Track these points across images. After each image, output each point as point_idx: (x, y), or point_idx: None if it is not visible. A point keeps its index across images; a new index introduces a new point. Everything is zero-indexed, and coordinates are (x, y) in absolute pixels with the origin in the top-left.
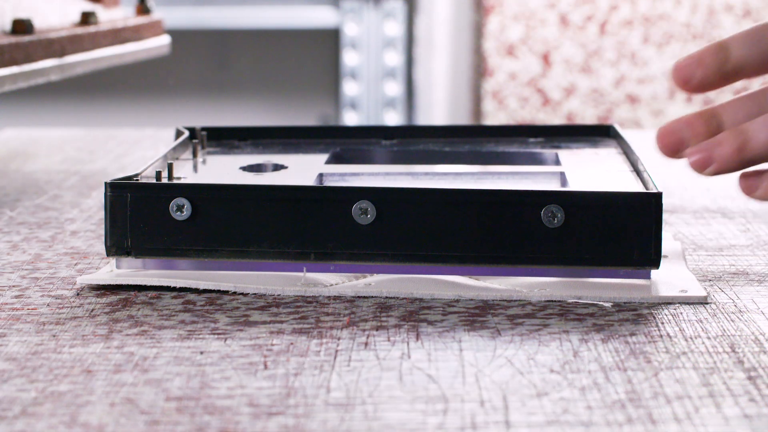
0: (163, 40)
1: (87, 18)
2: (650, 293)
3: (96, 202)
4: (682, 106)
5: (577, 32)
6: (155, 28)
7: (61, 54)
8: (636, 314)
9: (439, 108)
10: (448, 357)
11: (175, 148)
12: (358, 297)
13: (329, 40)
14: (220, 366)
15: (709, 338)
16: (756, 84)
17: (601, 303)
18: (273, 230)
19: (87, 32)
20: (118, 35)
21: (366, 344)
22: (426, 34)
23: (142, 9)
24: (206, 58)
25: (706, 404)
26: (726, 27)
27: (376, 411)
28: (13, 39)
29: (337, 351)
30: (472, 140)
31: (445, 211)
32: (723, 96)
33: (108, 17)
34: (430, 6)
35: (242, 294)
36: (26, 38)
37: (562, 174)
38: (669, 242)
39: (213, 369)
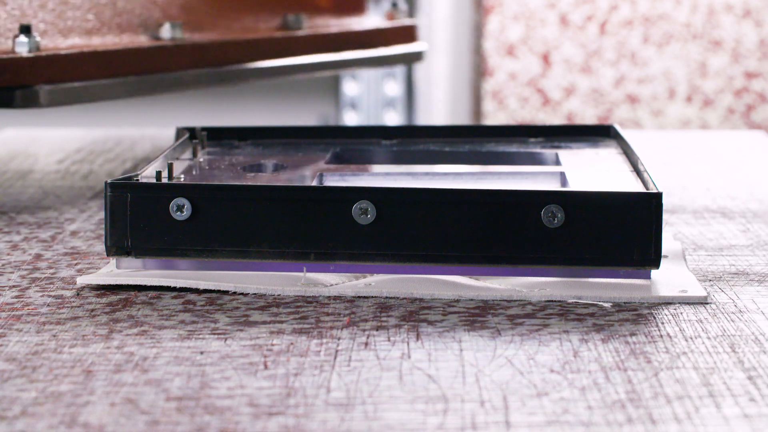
0: (416, 47)
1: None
2: (650, 293)
3: (96, 202)
4: (682, 106)
5: (577, 32)
6: (406, 34)
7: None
8: (636, 314)
9: (439, 108)
10: (448, 357)
11: (175, 148)
12: (358, 297)
13: None
14: (220, 366)
15: (709, 338)
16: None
17: (601, 303)
18: (273, 230)
19: (288, 36)
20: (343, 40)
21: (366, 344)
22: (426, 34)
23: (393, 15)
24: None
25: (706, 404)
26: (726, 27)
27: (376, 411)
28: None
29: (337, 351)
30: (472, 140)
31: (445, 211)
32: (723, 96)
33: (356, 24)
34: (430, 6)
35: (242, 294)
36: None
37: (562, 174)
38: (669, 242)
39: (213, 369)
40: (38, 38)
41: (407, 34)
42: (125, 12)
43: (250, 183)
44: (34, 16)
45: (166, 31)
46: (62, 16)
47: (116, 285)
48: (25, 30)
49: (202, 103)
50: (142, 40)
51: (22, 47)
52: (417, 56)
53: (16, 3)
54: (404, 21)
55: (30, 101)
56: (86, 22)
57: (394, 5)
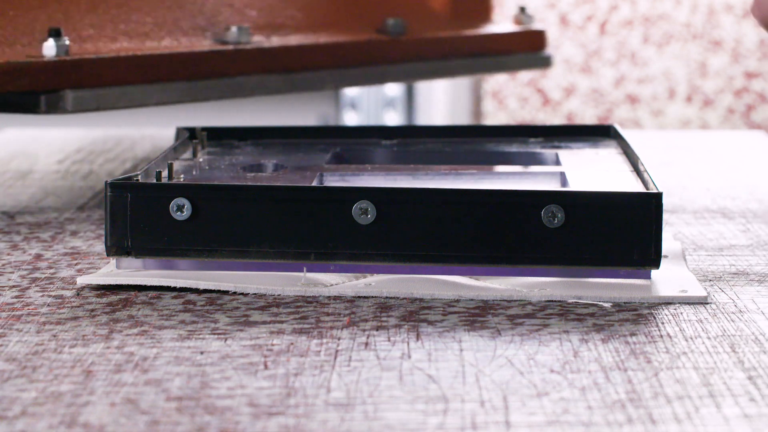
0: (541, 54)
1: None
2: (650, 293)
3: (96, 202)
4: (682, 106)
5: (577, 32)
6: (533, 40)
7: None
8: (636, 314)
9: (439, 108)
10: (449, 357)
11: (175, 148)
12: (359, 297)
13: None
14: (220, 366)
15: (709, 338)
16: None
17: (601, 303)
18: (273, 230)
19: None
20: (460, 45)
21: (366, 344)
22: None
23: (519, 20)
24: None
25: (706, 404)
26: (726, 27)
27: (376, 411)
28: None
29: (337, 351)
30: (472, 140)
31: (445, 211)
32: (723, 96)
33: (480, 29)
34: None
35: (242, 294)
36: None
37: (562, 174)
38: (669, 242)
39: (213, 369)
40: (67, 42)
41: (535, 40)
42: (190, 15)
43: (250, 183)
44: (88, 18)
45: (232, 35)
46: (117, 19)
47: (116, 285)
48: (55, 33)
49: (202, 103)
50: (203, 44)
51: (50, 51)
52: (544, 61)
53: (74, 5)
54: (532, 26)
55: (54, 107)
56: (142, 26)
57: (522, 10)
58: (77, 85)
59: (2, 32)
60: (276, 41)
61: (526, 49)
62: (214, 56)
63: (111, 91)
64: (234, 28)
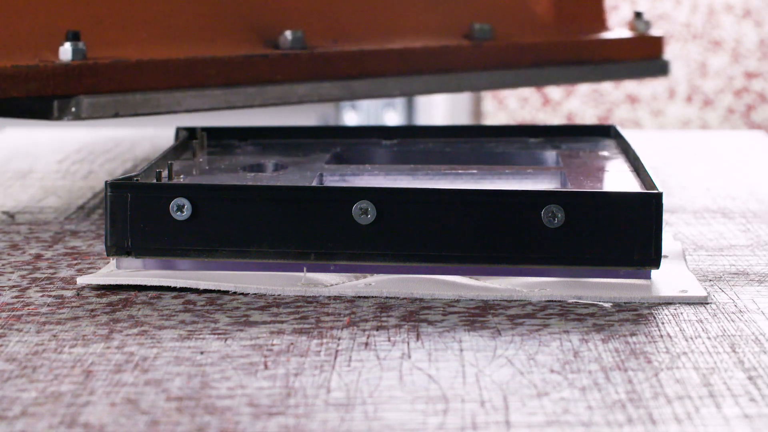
0: (658, 61)
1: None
2: (650, 293)
3: (96, 201)
4: (682, 106)
5: None
6: (649, 47)
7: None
8: (636, 314)
9: (439, 108)
10: (449, 357)
11: (175, 148)
12: (359, 297)
13: None
14: (220, 366)
15: (709, 338)
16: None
17: (601, 303)
18: (273, 230)
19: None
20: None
21: (366, 344)
22: None
23: (634, 25)
24: None
25: (707, 404)
26: (726, 27)
27: (376, 411)
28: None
29: (337, 351)
30: (472, 140)
31: (445, 211)
32: (724, 96)
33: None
34: None
35: (242, 294)
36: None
37: (562, 174)
38: (669, 242)
39: (213, 369)
40: (82, 46)
41: (651, 46)
42: (241, 19)
43: (250, 183)
44: (134, 21)
45: (285, 40)
46: (162, 23)
47: (116, 285)
48: (73, 36)
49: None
50: (255, 49)
51: (66, 55)
52: (661, 69)
53: (112, 9)
54: (648, 32)
55: (66, 112)
56: (178, 29)
57: (637, 15)
58: (92, 90)
59: (22, 35)
60: (331, 47)
61: (642, 56)
62: (257, 61)
63: (132, 97)
64: (288, 33)
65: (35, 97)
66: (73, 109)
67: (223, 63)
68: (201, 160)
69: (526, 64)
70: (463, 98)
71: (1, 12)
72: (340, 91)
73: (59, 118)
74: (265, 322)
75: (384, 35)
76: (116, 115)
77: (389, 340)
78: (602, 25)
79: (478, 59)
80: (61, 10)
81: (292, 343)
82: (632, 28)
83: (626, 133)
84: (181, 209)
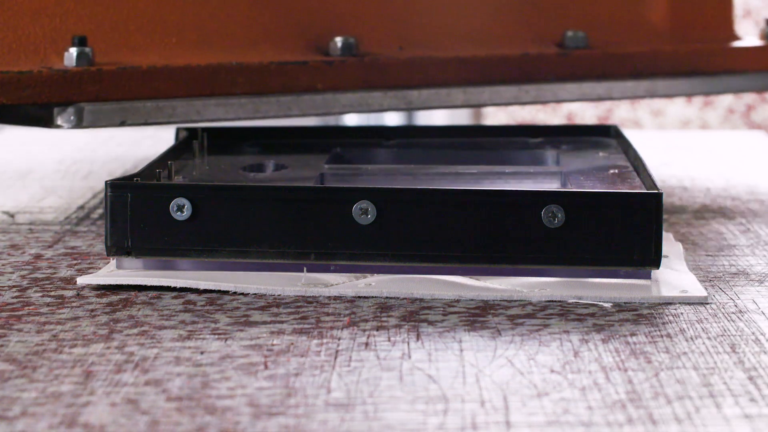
0: None
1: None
2: (650, 293)
3: (96, 201)
4: (682, 107)
5: None
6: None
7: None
8: (636, 314)
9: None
10: (449, 357)
11: (175, 148)
12: (359, 297)
13: None
14: (220, 366)
15: (709, 338)
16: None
17: (601, 303)
18: (273, 230)
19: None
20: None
21: (366, 344)
22: None
23: (765, 34)
24: None
25: (707, 404)
26: None
27: (376, 411)
28: None
29: (337, 351)
30: (472, 140)
31: (445, 211)
32: (722, 99)
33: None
34: None
35: (242, 294)
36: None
37: (563, 174)
38: (669, 242)
39: (213, 369)
40: (89, 51)
41: None
42: (290, 25)
43: (250, 183)
44: (159, 25)
45: (334, 47)
46: (202, 28)
47: (116, 285)
48: (80, 42)
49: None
50: (302, 56)
51: (71, 60)
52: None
53: (140, 13)
54: None
55: (66, 120)
56: (203, 33)
57: None
58: (95, 98)
59: (31, 40)
60: (395, 54)
61: (755, 67)
62: (292, 69)
63: (143, 105)
64: (338, 39)
65: (37, 104)
66: (72, 118)
67: (251, 70)
68: (201, 160)
69: (624, 75)
70: None
71: (9, 15)
72: (393, 100)
73: (59, 126)
74: (265, 322)
75: (452, 43)
76: (123, 124)
77: (389, 340)
78: (728, 33)
79: (565, 69)
80: (80, 13)
81: (292, 343)
82: (763, 36)
83: (627, 133)
84: (181, 209)
